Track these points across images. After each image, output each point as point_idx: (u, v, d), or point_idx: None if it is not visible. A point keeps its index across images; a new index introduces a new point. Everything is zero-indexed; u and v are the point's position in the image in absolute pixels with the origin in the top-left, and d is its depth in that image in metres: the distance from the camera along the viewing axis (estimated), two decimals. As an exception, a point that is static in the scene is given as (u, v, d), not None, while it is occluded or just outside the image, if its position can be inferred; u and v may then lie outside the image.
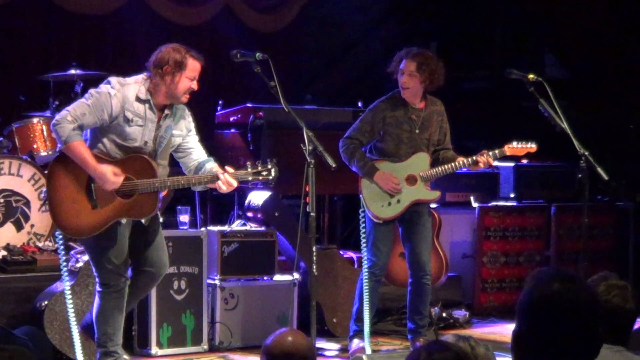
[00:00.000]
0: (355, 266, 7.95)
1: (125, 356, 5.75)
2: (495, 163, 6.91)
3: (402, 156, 6.55)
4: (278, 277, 7.17)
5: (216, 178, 5.47)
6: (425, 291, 6.68)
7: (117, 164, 5.44)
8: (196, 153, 5.69)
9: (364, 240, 6.56)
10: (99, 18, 9.47)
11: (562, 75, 11.15)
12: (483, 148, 6.59)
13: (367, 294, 6.50)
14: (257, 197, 7.39)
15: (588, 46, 10.82)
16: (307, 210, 5.61)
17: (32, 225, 7.36)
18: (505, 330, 7.74)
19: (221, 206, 8.56)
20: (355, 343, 6.61)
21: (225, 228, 7.16)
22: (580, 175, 6.24)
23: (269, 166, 5.53)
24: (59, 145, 5.49)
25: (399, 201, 6.54)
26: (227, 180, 5.46)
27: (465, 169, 6.83)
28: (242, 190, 7.75)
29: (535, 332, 2.49)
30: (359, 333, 6.61)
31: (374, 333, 7.12)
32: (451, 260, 7.92)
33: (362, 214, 6.57)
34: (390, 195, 6.53)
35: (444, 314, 7.78)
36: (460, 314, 7.93)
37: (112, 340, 5.59)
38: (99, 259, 5.54)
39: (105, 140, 5.47)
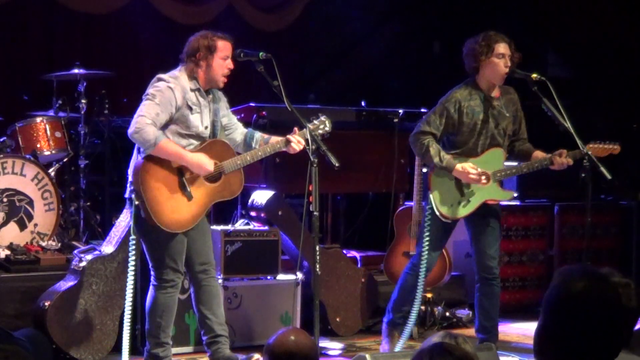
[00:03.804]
0: (359, 265, 7.95)
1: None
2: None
3: (478, 148, 6.33)
4: (281, 277, 7.17)
5: (288, 142, 5.81)
6: (496, 295, 6.50)
7: (200, 151, 5.74)
8: (240, 127, 6.07)
9: (427, 237, 6.35)
10: (103, 17, 9.49)
11: (565, 75, 11.14)
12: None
13: (417, 288, 6.42)
14: (261, 197, 7.40)
15: (591, 45, 10.81)
16: (310, 209, 5.60)
17: (35, 225, 7.37)
18: (508, 330, 7.73)
19: (224, 205, 8.56)
20: (393, 338, 6.54)
21: (229, 227, 7.16)
22: (583, 175, 6.21)
23: (323, 118, 5.94)
24: (141, 150, 5.64)
25: (469, 201, 6.36)
26: (298, 141, 5.81)
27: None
28: (245, 190, 7.76)
29: (558, 328, 2.49)
30: (395, 325, 6.58)
31: (377, 332, 7.13)
32: (454, 259, 7.91)
33: (428, 211, 6.36)
34: (461, 194, 6.34)
35: (447, 313, 7.77)
36: (464, 313, 7.92)
37: (164, 332, 5.89)
38: (162, 255, 5.78)
39: (169, 134, 5.70)
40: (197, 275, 5.94)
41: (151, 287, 5.88)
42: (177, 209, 5.71)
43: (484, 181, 6.28)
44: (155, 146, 5.56)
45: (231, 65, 5.83)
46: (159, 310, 5.84)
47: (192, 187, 5.73)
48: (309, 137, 5.58)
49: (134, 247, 5.76)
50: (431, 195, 6.35)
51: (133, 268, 5.81)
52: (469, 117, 6.31)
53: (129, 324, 5.85)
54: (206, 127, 5.78)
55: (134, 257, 5.77)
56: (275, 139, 5.90)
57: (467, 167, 6.25)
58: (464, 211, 6.38)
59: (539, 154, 6.39)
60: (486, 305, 6.50)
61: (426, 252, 6.37)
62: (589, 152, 6.16)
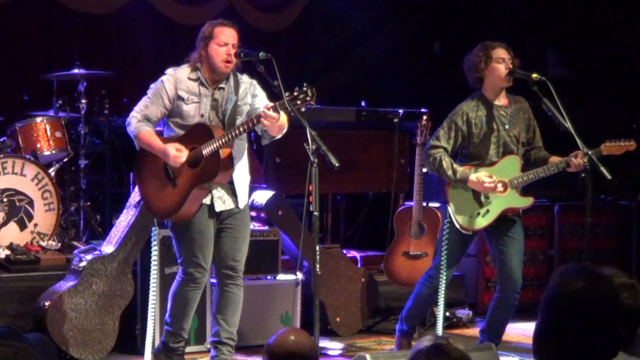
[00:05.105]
0: (359, 265, 7.95)
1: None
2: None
3: (492, 157, 6.27)
4: (281, 277, 7.16)
5: (259, 118, 5.58)
6: (512, 310, 6.40)
7: (180, 138, 5.76)
8: None
9: (445, 251, 6.28)
10: (103, 17, 9.49)
11: (565, 75, 11.14)
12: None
13: (438, 300, 6.45)
14: (261, 197, 7.39)
15: (591, 45, 10.81)
16: (310, 209, 5.59)
17: (35, 225, 7.37)
18: (508, 330, 7.68)
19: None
20: (403, 347, 6.48)
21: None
22: (583, 175, 6.21)
23: (304, 88, 5.59)
24: (135, 142, 5.85)
25: (488, 211, 6.27)
26: (267, 115, 5.52)
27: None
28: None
29: (556, 328, 2.50)
30: (405, 334, 6.58)
31: (377, 332, 7.12)
32: (454, 259, 7.90)
33: (446, 225, 6.30)
34: (479, 204, 6.26)
35: (447, 314, 7.76)
36: (464, 313, 7.92)
37: (178, 324, 5.94)
38: (181, 247, 5.86)
39: (172, 126, 5.84)
40: (222, 278, 5.97)
41: (176, 276, 5.97)
42: (163, 197, 5.80)
43: (500, 189, 6.23)
44: (136, 138, 5.79)
45: (229, 51, 5.75)
46: (177, 301, 5.91)
47: (177, 174, 5.77)
48: (309, 136, 5.55)
49: (155, 240, 6.08)
50: (449, 208, 6.29)
51: (155, 262, 6.05)
52: (478, 127, 6.27)
53: (152, 318, 6.01)
54: (202, 115, 5.77)
55: (156, 251, 6.07)
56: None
57: (482, 177, 6.20)
58: (483, 221, 6.30)
59: (555, 159, 6.32)
60: (498, 317, 6.44)
61: (444, 267, 6.32)
62: (589, 152, 6.16)
